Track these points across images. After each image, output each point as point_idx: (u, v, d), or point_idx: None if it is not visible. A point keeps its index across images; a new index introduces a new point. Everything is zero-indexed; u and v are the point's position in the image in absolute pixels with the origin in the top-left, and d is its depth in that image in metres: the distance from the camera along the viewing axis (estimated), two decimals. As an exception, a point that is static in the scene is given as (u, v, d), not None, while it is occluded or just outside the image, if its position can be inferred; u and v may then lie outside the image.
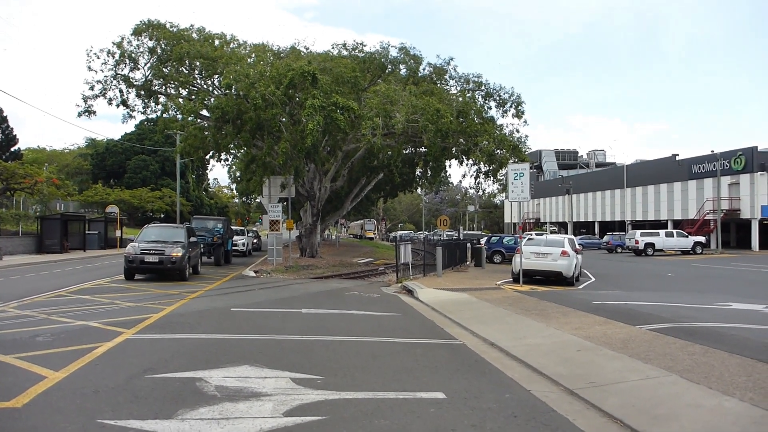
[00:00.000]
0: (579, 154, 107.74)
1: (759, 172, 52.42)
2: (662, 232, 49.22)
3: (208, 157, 38.99)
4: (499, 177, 33.14)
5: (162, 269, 20.65)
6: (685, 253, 47.08)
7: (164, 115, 33.92)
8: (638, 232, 49.34)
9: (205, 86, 32.05)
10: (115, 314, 12.72)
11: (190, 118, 31.47)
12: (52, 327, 10.99)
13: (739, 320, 12.99)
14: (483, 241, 40.15)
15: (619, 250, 53.34)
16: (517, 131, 31.64)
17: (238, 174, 54.10)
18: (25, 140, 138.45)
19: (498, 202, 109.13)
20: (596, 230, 76.32)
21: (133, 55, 30.92)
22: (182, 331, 10.78)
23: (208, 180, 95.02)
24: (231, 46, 32.48)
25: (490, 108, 32.43)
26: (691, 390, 6.94)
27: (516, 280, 21.68)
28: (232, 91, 26.59)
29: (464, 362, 8.87)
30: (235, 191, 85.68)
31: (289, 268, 27.31)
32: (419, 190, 73.67)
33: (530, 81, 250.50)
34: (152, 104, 33.19)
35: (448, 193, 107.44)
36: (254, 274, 24.99)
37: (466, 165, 33.03)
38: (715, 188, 53.63)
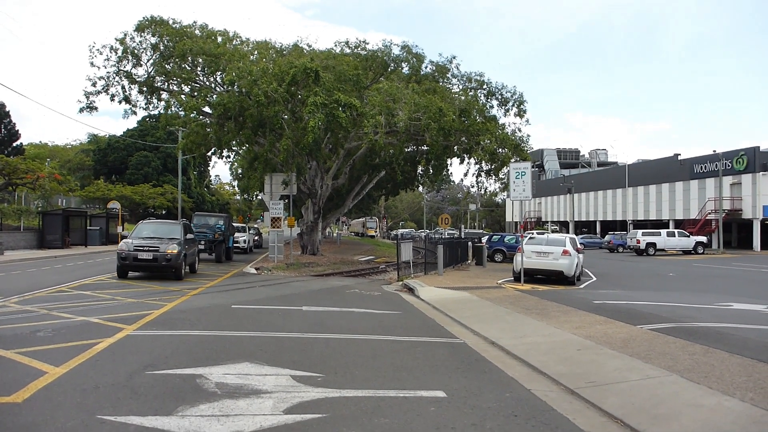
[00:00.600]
0: (581, 154, 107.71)
1: (761, 172, 52.39)
2: (664, 231, 49.18)
3: (210, 153, 39.02)
4: (500, 176, 33.08)
5: (156, 267, 19.74)
6: (686, 252, 47.04)
7: (166, 112, 33.90)
8: (640, 231, 49.30)
9: (207, 83, 32.03)
10: (116, 310, 12.73)
11: (192, 115, 31.47)
12: (53, 322, 11.00)
13: (740, 320, 12.97)
14: (484, 239, 40.16)
15: (620, 249, 53.30)
16: (519, 130, 31.59)
17: (239, 171, 54.17)
18: (28, 136, 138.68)
19: (499, 200, 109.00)
20: (598, 230, 76.31)
21: (135, 51, 30.89)
22: (183, 328, 10.78)
23: (210, 177, 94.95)
24: (234, 43, 32.45)
25: (492, 107, 32.38)
26: (692, 389, 6.94)
27: (517, 279, 21.67)
28: (235, 87, 26.57)
29: (465, 361, 8.87)
30: (236, 188, 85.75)
31: (290, 266, 27.32)
32: (421, 189, 73.70)
33: (531, 80, 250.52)
34: (154, 100, 33.15)
35: (450, 191, 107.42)
36: (255, 271, 25.00)
37: (468, 163, 33.03)
38: (717, 188, 53.61)
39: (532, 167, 32.64)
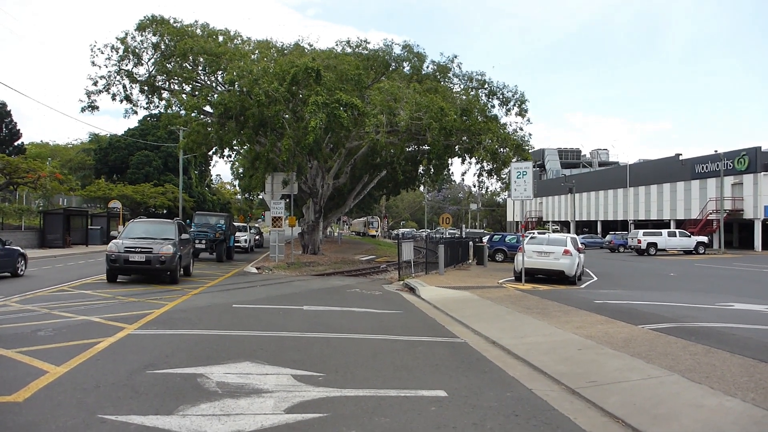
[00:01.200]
0: (582, 153, 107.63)
1: (762, 173, 52.37)
2: (665, 231, 49.14)
3: (211, 153, 39.01)
4: (502, 175, 33.08)
5: (150, 270, 18.26)
6: (687, 253, 47.01)
7: (167, 111, 33.91)
8: (641, 231, 49.27)
9: (208, 82, 32.04)
10: (117, 309, 12.74)
11: (193, 114, 31.45)
12: (54, 322, 11.01)
13: (742, 320, 12.96)
14: (485, 239, 40.16)
15: (621, 249, 53.27)
16: (521, 129, 31.59)
17: (241, 170, 54.20)
18: (29, 135, 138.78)
19: (500, 200, 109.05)
20: (599, 229, 76.27)
21: (136, 50, 30.89)
22: (184, 327, 10.79)
23: (211, 176, 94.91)
24: (235, 42, 32.45)
25: (493, 106, 32.39)
26: (693, 390, 6.93)
27: (518, 279, 21.67)
28: (236, 87, 26.57)
29: (465, 360, 8.86)
30: (237, 188, 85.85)
31: (291, 265, 27.32)
32: (422, 188, 73.64)
33: (533, 79, 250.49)
34: (155, 100, 33.15)
35: (451, 191, 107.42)
36: (256, 271, 25.01)
37: (469, 163, 33.04)
38: (718, 188, 53.59)
39: (534, 167, 32.62)
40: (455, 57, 33.97)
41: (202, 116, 32.27)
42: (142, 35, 30.69)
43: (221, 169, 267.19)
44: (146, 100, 32.84)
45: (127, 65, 31.23)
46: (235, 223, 40.46)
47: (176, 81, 32.19)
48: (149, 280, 18.95)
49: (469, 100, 30.05)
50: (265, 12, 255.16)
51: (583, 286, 21.71)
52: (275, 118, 26.12)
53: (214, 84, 31.86)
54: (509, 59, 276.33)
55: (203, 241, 29.45)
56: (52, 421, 5.59)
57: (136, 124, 68.74)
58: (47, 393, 6.46)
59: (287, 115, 27.18)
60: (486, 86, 32.68)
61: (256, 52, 31.77)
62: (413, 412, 6.15)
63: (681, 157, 62.66)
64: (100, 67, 32.62)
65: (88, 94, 31.43)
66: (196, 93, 31.32)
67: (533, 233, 33.28)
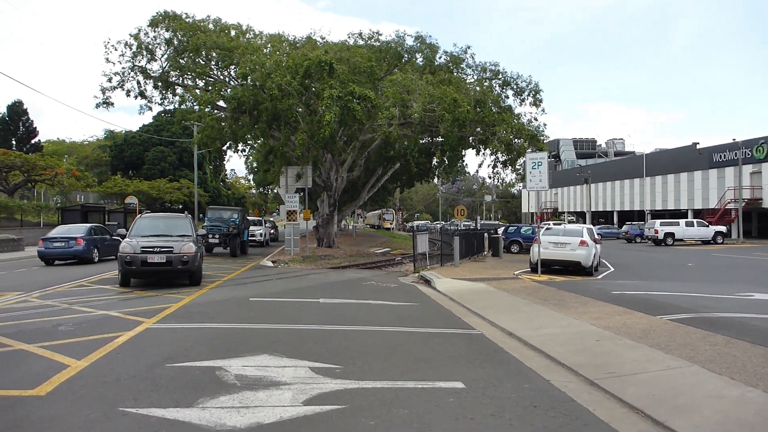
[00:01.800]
0: (597, 143, 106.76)
1: (781, 161, 51.68)
2: (682, 221, 48.72)
3: (225, 147, 39.17)
4: (516, 166, 32.93)
5: (171, 272, 16.10)
6: (705, 242, 46.59)
7: (181, 107, 34.08)
8: (658, 221, 48.85)
9: (221, 77, 32.14)
10: (135, 304, 12.85)
11: (206, 109, 31.60)
12: (74, 316, 11.12)
13: (762, 310, 12.85)
14: (500, 231, 40.03)
15: (638, 239, 52.90)
16: (535, 120, 31.46)
17: (255, 165, 54.31)
18: (45, 132, 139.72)
19: (515, 191, 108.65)
20: (615, 220, 75.74)
21: (150, 46, 31.06)
22: (201, 321, 10.86)
23: (226, 171, 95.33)
24: (247, 36, 32.51)
25: (507, 97, 32.26)
26: (713, 380, 6.88)
27: (534, 270, 21.59)
28: (248, 81, 26.63)
29: (482, 352, 8.85)
30: (252, 182, 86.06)
31: (306, 258, 27.39)
32: (436, 180, 73.48)
33: (549, 69, 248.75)
34: (169, 95, 33.36)
35: (465, 182, 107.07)
36: (272, 265, 25.10)
37: (484, 154, 32.92)
38: (736, 177, 52.99)
39: (549, 157, 32.42)
40: (468, 48, 33.89)
41: (215, 111, 32.40)
42: (155, 31, 30.86)
43: (236, 164, 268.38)
44: (160, 96, 33.08)
45: (140, 61, 31.46)
46: (249, 217, 40.54)
47: (189, 76, 32.34)
48: (165, 282, 16.72)
49: (482, 91, 29.92)
50: (276, 6, 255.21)
51: (599, 276, 21.60)
52: (289, 111, 26.14)
53: (227, 79, 31.95)
54: (523, 50, 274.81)
55: (217, 236, 29.23)
56: (74, 415, 5.65)
57: (151, 120, 69.17)
58: (69, 387, 6.53)
59: (300, 109, 27.20)
60: (500, 77, 32.53)
61: (269, 46, 31.80)
62: (431, 404, 6.15)
63: (698, 146, 61.99)
64: (114, 63, 32.93)
65: (103, 90, 31.71)
66: (210, 88, 31.46)
67: (549, 224, 33.13)
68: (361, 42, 32.70)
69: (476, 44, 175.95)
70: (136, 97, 32.24)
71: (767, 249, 40.22)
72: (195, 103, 32.46)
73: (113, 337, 9.18)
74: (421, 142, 34.49)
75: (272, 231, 48.75)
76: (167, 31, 30.79)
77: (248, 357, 7.95)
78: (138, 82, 31.97)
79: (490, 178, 41.82)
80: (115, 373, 7.08)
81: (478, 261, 28.62)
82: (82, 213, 41.26)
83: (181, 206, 58.87)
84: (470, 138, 30.72)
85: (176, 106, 34.71)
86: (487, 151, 31.83)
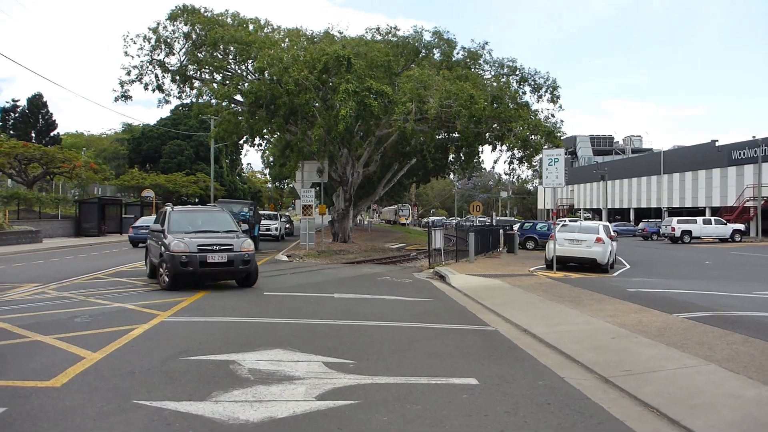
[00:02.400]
0: (614, 140, 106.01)
1: (802, 158, 50.98)
2: (700, 219, 48.23)
3: (241, 142, 39.29)
4: (533, 163, 32.75)
5: (231, 272, 14.54)
6: (723, 240, 46.10)
7: (199, 100, 34.23)
8: (675, 219, 48.41)
9: (239, 71, 32.23)
10: (151, 297, 12.93)
11: (224, 103, 31.72)
12: (90, 309, 11.21)
13: (780, 310, 12.68)
14: (516, 227, 39.87)
15: (654, 237, 52.45)
16: (552, 116, 31.20)
17: (271, 159, 54.50)
18: (64, 125, 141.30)
19: (531, 188, 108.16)
20: (631, 217, 75.17)
21: (168, 40, 31.22)
22: (216, 314, 10.90)
23: (242, 165, 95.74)
24: (265, 30, 32.58)
25: (524, 93, 32.02)
26: (731, 380, 6.79)
27: (549, 267, 21.48)
28: (266, 75, 26.67)
29: (497, 348, 8.81)
30: (268, 176, 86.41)
31: (321, 253, 27.43)
32: (452, 176, 73.32)
33: (569, 64, 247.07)
34: (187, 89, 33.50)
35: (481, 178, 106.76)
36: (287, 259, 25.16)
37: (500, 150, 32.75)
38: (755, 174, 52.31)
39: (565, 154, 32.16)
40: (486, 44, 33.70)
41: (232, 105, 32.52)
42: (173, 25, 31.03)
43: (252, 158, 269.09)
44: (178, 90, 33.24)
45: (158, 55, 31.65)
46: (263, 211, 40.55)
47: (207, 70, 32.46)
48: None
49: (499, 87, 29.75)
50: (294, 0, 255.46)
51: (615, 274, 21.45)
52: (306, 106, 26.17)
53: (244, 73, 32.03)
54: (543, 45, 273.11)
55: None
56: (89, 406, 5.69)
57: (168, 114, 69.69)
58: (84, 378, 6.58)
59: (317, 104, 27.21)
60: (517, 73, 32.33)
61: (286, 40, 31.84)
62: (445, 400, 6.13)
63: (717, 144, 61.35)
64: (132, 57, 32.99)
65: (122, 83, 31.95)
66: (227, 82, 31.55)
67: (565, 221, 32.95)
68: (378, 37, 32.65)
69: (495, 40, 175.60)
70: (153, 90, 32.46)
71: (787, 248, 39.75)
72: (212, 97, 32.57)
73: (128, 329, 9.24)
74: (437, 137, 34.40)
75: (288, 225, 48.88)
76: (186, 24, 30.94)
77: (262, 351, 7.97)
78: (156, 76, 32.18)
79: (506, 174, 41.48)
80: (130, 366, 7.13)
81: (493, 257, 28.53)
82: (99, 206, 41.69)
83: (197, 200, 59.25)
84: (487, 134, 30.57)
85: (193, 99, 34.86)
86: (504, 147, 31.66)
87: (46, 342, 8.33)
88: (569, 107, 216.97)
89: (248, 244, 14.82)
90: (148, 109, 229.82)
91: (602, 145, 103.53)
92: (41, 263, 21.28)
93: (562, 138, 30.51)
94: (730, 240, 45.81)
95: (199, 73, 32.86)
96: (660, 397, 6.26)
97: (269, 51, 27.08)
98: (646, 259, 30.25)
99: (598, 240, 21.65)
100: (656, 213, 68.91)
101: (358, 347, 8.48)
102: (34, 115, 62.90)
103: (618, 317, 10.92)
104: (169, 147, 66.52)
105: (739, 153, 57.06)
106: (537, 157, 30.89)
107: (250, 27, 31.86)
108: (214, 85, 32.31)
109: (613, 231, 26.73)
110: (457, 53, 33.28)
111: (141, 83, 32.15)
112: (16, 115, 63.28)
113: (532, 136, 28.83)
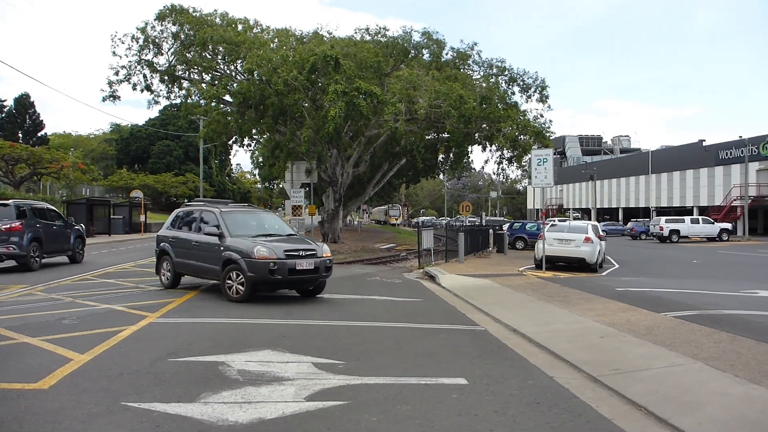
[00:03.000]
0: (603, 140, 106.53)
1: (788, 158, 51.47)
2: (687, 218, 48.59)
3: (231, 142, 39.20)
4: (522, 163, 32.87)
5: (314, 280, 13.45)
6: (710, 239, 46.47)
7: (187, 101, 34.10)
8: (663, 218, 48.75)
9: (228, 71, 32.15)
10: (139, 298, 12.87)
11: (213, 104, 31.61)
12: (78, 310, 11.14)
13: (767, 308, 12.78)
14: (505, 227, 39.99)
15: (643, 236, 52.78)
16: (541, 116, 31.29)
17: (260, 159, 54.40)
18: (51, 126, 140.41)
19: (521, 188, 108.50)
20: (620, 217, 75.60)
21: (156, 40, 31.11)
22: (205, 316, 10.86)
23: (231, 165, 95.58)
24: (254, 30, 32.50)
25: (513, 93, 32.15)
26: (718, 378, 6.84)
27: (538, 267, 21.55)
28: (255, 76, 26.61)
29: (486, 348, 8.83)
30: (257, 177, 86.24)
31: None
32: (442, 176, 73.45)
33: (554, 64, 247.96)
34: (176, 89, 33.41)
35: (471, 179, 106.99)
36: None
37: (489, 151, 32.85)
38: (742, 174, 52.75)
39: (554, 154, 32.27)
40: (475, 44, 33.84)
41: (222, 106, 32.41)
42: (162, 25, 30.91)
43: (241, 159, 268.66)
44: (166, 90, 33.13)
45: (147, 55, 31.51)
46: None
47: (196, 70, 32.36)
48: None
49: (488, 88, 29.84)
50: (283, 0, 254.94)
51: (604, 273, 21.55)
52: (295, 106, 26.14)
53: (233, 73, 31.96)
54: (531, 46, 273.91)
55: None
56: (77, 408, 5.66)
57: (157, 114, 69.50)
58: (72, 380, 6.54)
59: (306, 104, 27.18)
60: (506, 73, 32.46)
61: (276, 40, 31.79)
62: (434, 400, 6.14)
63: (704, 143, 61.82)
64: (120, 57, 32.82)
65: (110, 83, 31.78)
66: (216, 82, 31.44)
67: (554, 221, 33.07)
68: (367, 37, 32.66)
69: (484, 40, 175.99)
70: (142, 90, 32.33)
71: (773, 247, 40.07)
72: (201, 98, 32.47)
73: (117, 331, 9.19)
74: (426, 138, 34.43)
75: (277, 226, 48.66)
76: (174, 24, 30.83)
77: (251, 352, 7.95)
78: (144, 76, 32.05)
79: (495, 174, 41.64)
80: (118, 367, 7.09)
81: (483, 257, 28.59)
82: (87, 206, 41.41)
83: (186, 200, 59.09)
84: (476, 134, 30.65)
85: (182, 100, 34.74)
86: (493, 148, 31.76)
87: (34, 344, 8.28)
88: (559, 107, 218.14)
89: (327, 249, 13.85)
90: (137, 110, 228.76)
91: (591, 145, 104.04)
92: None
93: (551, 138, 30.63)
94: (717, 239, 46.19)
95: (188, 73, 32.75)
96: (648, 395, 6.29)
97: (258, 51, 27.02)
98: (635, 258, 30.41)
99: (587, 239, 21.75)
100: (645, 212, 69.36)
101: (347, 348, 8.48)
102: (21, 115, 62.50)
103: (607, 316, 10.97)
104: (158, 147, 66.29)
105: (726, 153, 57.52)
106: (526, 157, 31.00)
107: (239, 27, 31.79)
108: (203, 85, 32.21)
109: (602, 231, 26.86)
110: (447, 54, 33.37)
111: (129, 83, 32.02)
112: (3, 115, 62.91)
113: (521, 136, 28.93)
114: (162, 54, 31.63)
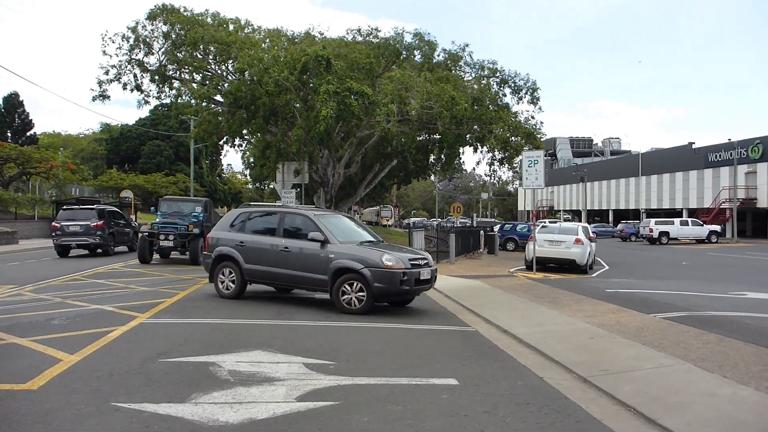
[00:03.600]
0: (594, 142, 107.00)
1: (776, 161, 51.83)
2: (677, 220, 48.87)
3: (221, 142, 39.06)
4: (513, 164, 32.96)
5: (427, 289, 13.14)
6: (699, 242, 46.76)
7: (178, 101, 33.96)
8: (653, 220, 49.03)
9: (218, 71, 32.04)
10: (130, 298, 12.82)
11: (203, 104, 31.50)
12: (67, 310, 11.08)
13: (755, 309, 12.89)
14: (496, 228, 40.09)
15: (633, 238, 53.05)
16: (532, 118, 31.43)
17: (251, 160, 54.26)
18: (41, 125, 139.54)
19: (511, 189, 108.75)
20: (610, 218, 75.94)
21: (147, 39, 30.97)
22: (196, 316, 10.84)
23: (222, 166, 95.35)
24: (245, 31, 32.41)
25: (505, 95, 32.23)
26: (706, 378, 6.90)
27: (529, 268, 21.62)
28: (246, 76, 26.55)
29: (477, 349, 8.85)
30: (248, 177, 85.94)
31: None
32: (433, 177, 73.53)
33: (545, 66, 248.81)
34: (166, 89, 33.23)
35: (462, 180, 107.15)
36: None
37: (481, 152, 32.93)
38: (731, 177, 53.13)
39: (545, 156, 32.40)
40: (466, 45, 33.88)
41: (212, 106, 32.31)
42: (152, 24, 30.77)
43: (232, 159, 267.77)
44: (157, 90, 32.96)
45: (137, 54, 31.36)
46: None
47: (187, 70, 32.23)
48: (166, 263, 17.55)
49: (480, 89, 29.92)
50: (275, 0, 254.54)
51: (594, 275, 21.65)
52: (286, 107, 26.10)
53: (224, 73, 31.86)
54: (523, 46, 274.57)
55: (171, 237, 21.90)
56: (67, 409, 5.63)
57: (147, 114, 69.20)
58: (61, 381, 6.51)
59: (298, 104, 27.14)
60: (497, 75, 32.54)
61: (267, 40, 31.71)
62: (425, 401, 6.15)
63: (694, 146, 62.21)
64: (111, 56, 32.65)
65: (100, 83, 31.59)
66: (207, 82, 31.34)
67: (544, 222, 33.18)
68: (359, 38, 32.63)
69: (475, 42, 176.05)
70: (132, 90, 32.16)
71: (761, 248, 40.38)
72: (192, 98, 32.34)
73: (107, 331, 9.16)
74: (418, 139, 34.46)
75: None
76: (165, 24, 30.70)
77: (242, 353, 7.94)
78: (135, 76, 31.88)
79: (487, 175, 41.70)
80: (108, 368, 7.06)
81: (474, 258, 28.65)
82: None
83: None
84: (467, 135, 30.72)
85: (173, 100, 34.59)
86: (484, 149, 31.84)
87: (23, 344, 8.23)
88: (550, 109, 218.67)
89: (431, 259, 13.40)
90: (127, 109, 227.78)
91: (582, 147, 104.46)
92: (17, 265, 21.01)
93: (541, 140, 30.76)
94: (706, 241, 46.49)
95: (178, 73, 32.63)
96: (637, 396, 6.34)
97: (249, 51, 26.95)
98: (625, 260, 30.56)
99: (578, 241, 21.84)
100: (635, 214, 69.70)
101: (338, 348, 8.48)
102: (10, 115, 62.06)
103: (597, 317, 11.03)
104: (148, 147, 66.02)
105: (716, 155, 57.90)
106: (517, 159, 31.10)
107: (231, 27, 31.70)
108: (194, 85, 32.09)
109: (592, 232, 27.00)
110: (438, 55, 33.39)
111: (120, 83, 31.83)
112: (-8, 114, 62.42)
113: (513, 138, 29.04)
114: (153, 53, 31.49)
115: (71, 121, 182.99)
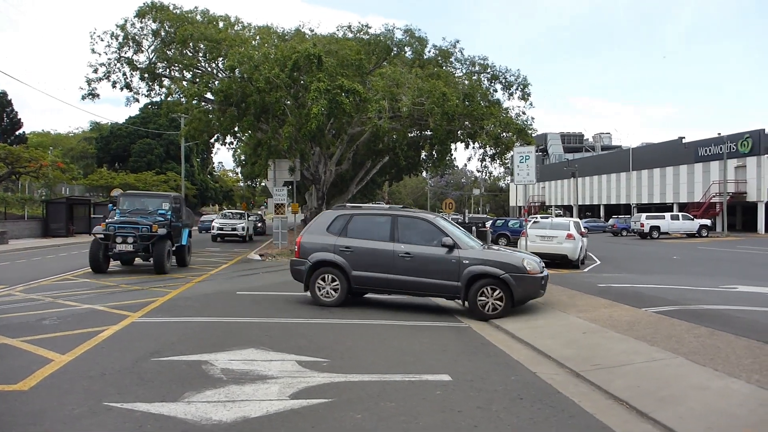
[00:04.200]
0: (584, 138, 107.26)
1: (766, 155, 52.09)
2: (668, 215, 49.03)
3: (212, 140, 38.90)
4: (504, 160, 32.98)
5: None
6: (690, 236, 46.97)
7: (168, 99, 33.79)
8: (643, 215, 49.19)
9: (209, 69, 31.89)
10: (121, 298, 12.77)
11: (194, 102, 31.37)
12: (59, 310, 11.03)
13: (746, 303, 12.96)
14: (488, 224, 40.12)
15: (624, 233, 53.18)
16: (523, 113, 31.42)
17: (243, 157, 54.11)
18: (30, 124, 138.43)
19: (503, 185, 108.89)
20: (601, 213, 76.17)
21: (136, 37, 30.79)
22: (188, 315, 10.81)
23: (213, 163, 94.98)
24: (235, 28, 32.27)
25: (495, 91, 32.23)
26: (697, 372, 6.93)
27: (521, 263, 21.63)
28: (236, 73, 26.44)
29: (470, 345, 8.87)
30: (240, 175, 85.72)
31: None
32: (424, 174, 73.50)
33: (536, 63, 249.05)
34: (156, 87, 33.06)
35: (454, 176, 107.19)
36: (260, 258, 25.03)
37: (472, 148, 32.95)
38: (721, 171, 53.35)
39: (536, 151, 32.45)
40: (457, 42, 33.86)
41: (203, 103, 32.17)
42: (141, 22, 30.58)
43: (223, 157, 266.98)
44: (147, 88, 32.78)
45: (127, 52, 31.17)
46: (234, 210, 38.96)
47: (177, 68, 32.08)
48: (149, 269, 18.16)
49: (471, 85, 29.92)
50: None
51: (586, 270, 21.71)
52: (276, 104, 26.00)
53: (214, 71, 31.72)
54: (514, 42, 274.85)
55: (130, 239, 17.99)
56: (58, 410, 5.61)
57: (137, 112, 68.70)
58: (53, 381, 6.48)
59: (289, 102, 27.06)
60: (488, 71, 32.54)
61: (257, 38, 31.58)
62: (418, 397, 6.16)
63: (684, 141, 62.45)
64: (100, 54, 32.64)
65: (89, 81, 31.35)
66: (197, 80, 31.20)
67: (536, 218, 33.25)
68: (350, 35, 32.57)
69: (466, 38, 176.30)
70: (122, 88, 31.96)
71: (751, 242, 40.61)
72: (182, 96, 32.17)
73: (98, 331, 9.12)
74: (409, 135, 34.43)
75: (259, 224, 48.33)
76: (154, 22, 30.51)
77: (235, 351, 7.93)
78: (124, 74, 31.69)
79: (478, 171, 41.81)
80: (100, 368, 7.03)
81: (466, 254, 28.60)
82: (67, 206, 41.01)
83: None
84: (459, 132, 30.69)
85: (163, 98, 34.41)
86: (476, 145, 31.86)
87: (13, 345, 8.18)
88: (541, 105, 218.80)
89: None
90: (117, 108, 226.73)
91: (573, 142, 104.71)
92: (7, 265, 20.89)
93: (533, 135, 30.78)
94: (697, 235, 46.69)
95: (168, 71, 32.47)
96: (629, 390, 6.36)
97: (240, 49, 26.83)
98: (616, 254, 30.65)
99: (569, 236, 21.90)
100: (626, 209, 69.96)
101: (331, 345, 8.48)
102: (-1, 114, 61.60)
103: (588, 312, 11.06)
104: (139, 146, 65.65)
105: (705, 150, 58.15)
106: (509, 155, 31.13)
107: (220, 24, 31.55)
108: (184, 83, 31.96)
109: (584, 227, 27.07)
110: (429, 51, 33.38)
111: (109, 81, 31.60)
112: (-20, 113, 61.95)
113: (504, 134, 29.03)
114: (142, 51, 31.30)
115: (61, 120, 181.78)
